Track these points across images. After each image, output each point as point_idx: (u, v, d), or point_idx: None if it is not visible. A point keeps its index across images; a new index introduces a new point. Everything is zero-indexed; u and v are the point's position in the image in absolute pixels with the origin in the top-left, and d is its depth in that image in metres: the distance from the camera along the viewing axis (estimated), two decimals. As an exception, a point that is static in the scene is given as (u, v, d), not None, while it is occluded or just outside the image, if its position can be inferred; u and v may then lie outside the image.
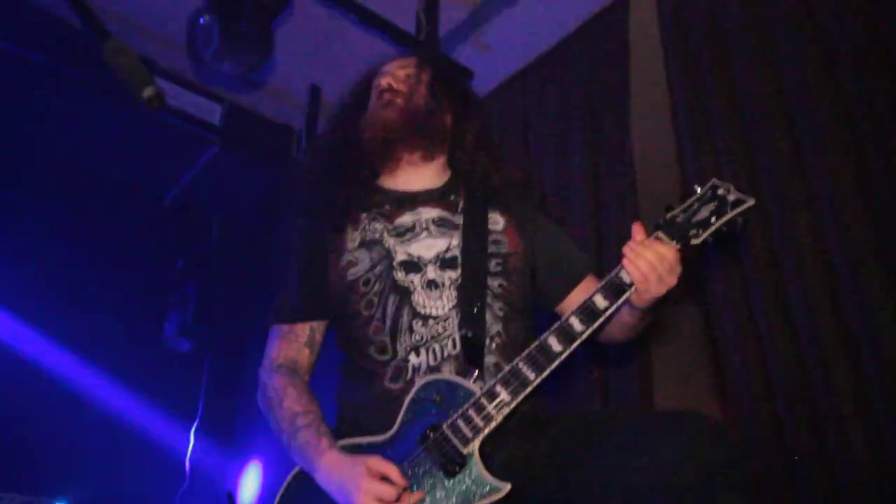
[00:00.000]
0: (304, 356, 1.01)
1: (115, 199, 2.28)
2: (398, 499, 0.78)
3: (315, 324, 1.02)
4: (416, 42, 1.99)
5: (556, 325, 0.82)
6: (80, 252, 2.21)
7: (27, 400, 2.00)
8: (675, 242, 0.83)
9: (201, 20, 1.74)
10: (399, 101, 1.04)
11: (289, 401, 0.93)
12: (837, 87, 1.35)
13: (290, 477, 0.93)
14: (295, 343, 1.01)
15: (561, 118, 1.92)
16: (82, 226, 2.24)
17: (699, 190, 0.86)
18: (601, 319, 0.82)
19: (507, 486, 0.81)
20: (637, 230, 0.83)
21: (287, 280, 1.05)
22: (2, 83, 1.88)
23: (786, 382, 1.28)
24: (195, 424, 2.03)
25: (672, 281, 0.82)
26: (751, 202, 0.85)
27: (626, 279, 0.83)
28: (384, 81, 1.07)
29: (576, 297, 0.95)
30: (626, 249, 0.82)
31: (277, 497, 0.93)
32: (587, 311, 0.82)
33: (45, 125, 2.08)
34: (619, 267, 0.83)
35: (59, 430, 2.01)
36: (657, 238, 0.83)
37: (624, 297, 0.82)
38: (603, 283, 0.84)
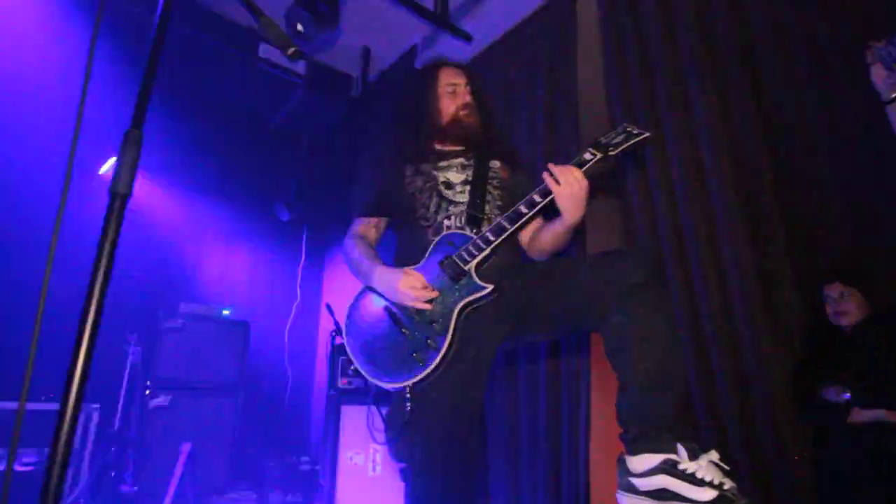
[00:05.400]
0: (371, 233, 1.72)
1: (240, 126, 4.08)
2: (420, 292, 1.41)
3: (381, 219, 1.73)
4: (434, 14, 3.39)
5: (521, 202, 1.42)
6: (220, 159, 4.08)
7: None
8: (599, 153, 1.36)
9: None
10: (474, 115, 1.71)
11: (357, 250, 1.63)
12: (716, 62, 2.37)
13: (356, 295, 1.62)
14: (367, 226, 1.72)
15: (528, 79, 3.22)
16: (219, 144, 4.08)
17: (617, 128, 1.43)
18: (538, 207, 1.39)
19: (490, 287, 1.41)
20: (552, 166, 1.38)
21: (367, 191, 1.74)
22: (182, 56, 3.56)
23: (674, 249, 2.40)
24: (301, 263, 4.03)
25: (579, 189, 1.34)
26: (648, 133, 1.38)
27: (549, 189, 1.36)
28: (464, 98, 1.71)
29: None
30: (550, 166, 1.36)
31: (349, 305, 1.62)
32: (529, 201, 1.40)
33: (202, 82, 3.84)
34: (544, 183, 1.37)
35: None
36: (588, 152, 1.37)
37: (549, 196, 1.37)
38: (537, 189, 1.40)
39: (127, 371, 2.80)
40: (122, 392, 2.79)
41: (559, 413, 2.72)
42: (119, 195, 0.94)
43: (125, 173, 0.96)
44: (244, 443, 3.29)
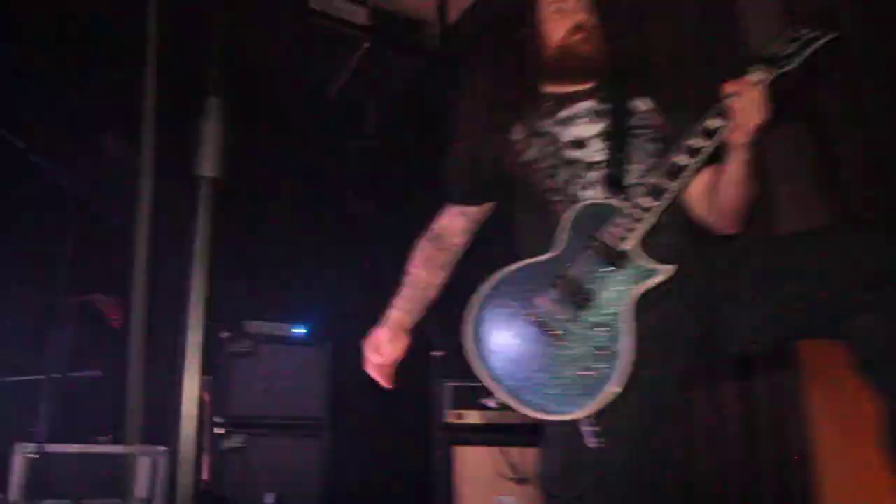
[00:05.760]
0: (459, 223, 1.70)
1: (290, 97, 4.12)
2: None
3: (476, 206, 1.71)
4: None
5: (675, 151, 1.36)
6: (268, 138, 4.15)
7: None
8: (769, 72, 1.30)
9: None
10: (593, 39, 1.59)
11: (414, 261, 1.69)
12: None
13: (478, 301, 1.46)
14: (453, 214, 1.71)
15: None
16: (265, 120, 4.14)
17: (784, 33, 1.35)
18: (702, 155, 1.34)
19: (670, 268, 1.31)
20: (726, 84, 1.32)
21: (454, 169, 1.70)
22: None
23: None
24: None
25: (757, 115, 1.27)
26: (832, 34, 1.31)
27: (713, 125, 1.32)
28: (576, 18, 1.59)
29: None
30: (727, 87, 1.30)
31: (471, 316, 1.44)
32: (687, 149, 1.34)
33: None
34: (704, 116, 1.34)
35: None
36: (752, 72, 1.31)
37: (716, 137, 1.33)
38: (696, 129, 1.34)
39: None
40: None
41: (755, 451, 2.47)
42: (208, 180, 0.90)
43: (211, 151, 0.93)
44: (335, 495, 3.30)
